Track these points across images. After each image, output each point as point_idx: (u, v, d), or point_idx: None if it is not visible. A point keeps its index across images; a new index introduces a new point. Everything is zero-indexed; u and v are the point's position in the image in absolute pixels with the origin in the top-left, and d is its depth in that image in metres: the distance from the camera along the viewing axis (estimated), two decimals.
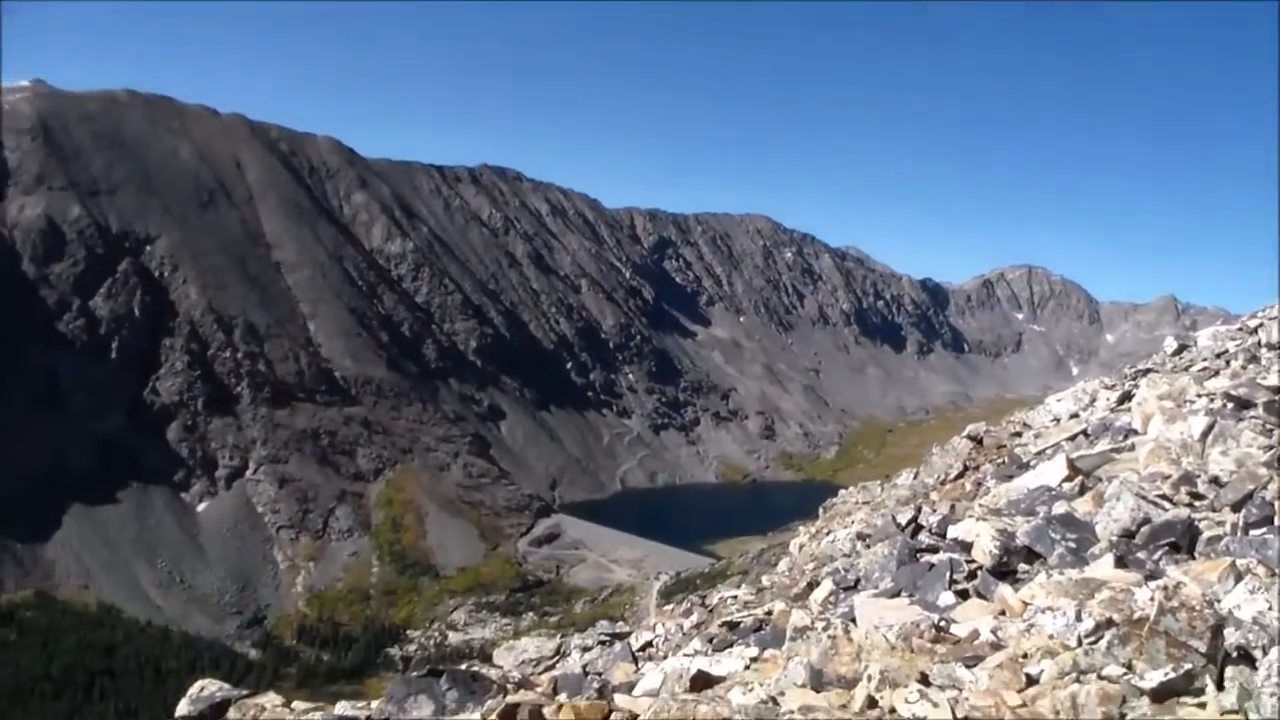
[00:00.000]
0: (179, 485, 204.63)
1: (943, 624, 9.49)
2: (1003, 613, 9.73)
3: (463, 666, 9.96)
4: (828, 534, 23.60)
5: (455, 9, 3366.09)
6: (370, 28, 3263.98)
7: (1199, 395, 15.66)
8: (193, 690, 9.43)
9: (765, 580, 23.48)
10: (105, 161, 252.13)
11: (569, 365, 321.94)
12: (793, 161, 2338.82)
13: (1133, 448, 14.64)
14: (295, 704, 9.00)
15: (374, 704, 9.02)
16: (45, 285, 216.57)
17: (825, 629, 9.33)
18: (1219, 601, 7.94)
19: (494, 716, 7.81)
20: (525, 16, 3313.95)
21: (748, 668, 10.29)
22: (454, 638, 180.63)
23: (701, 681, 9.69)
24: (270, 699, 9.11)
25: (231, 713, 9.01)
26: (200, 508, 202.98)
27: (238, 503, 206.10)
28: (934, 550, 12.91)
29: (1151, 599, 8.05)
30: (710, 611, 19.41)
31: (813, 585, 15.67)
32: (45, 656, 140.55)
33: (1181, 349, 22.54)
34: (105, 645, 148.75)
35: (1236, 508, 10.82)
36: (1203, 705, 6.87)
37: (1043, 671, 7.67)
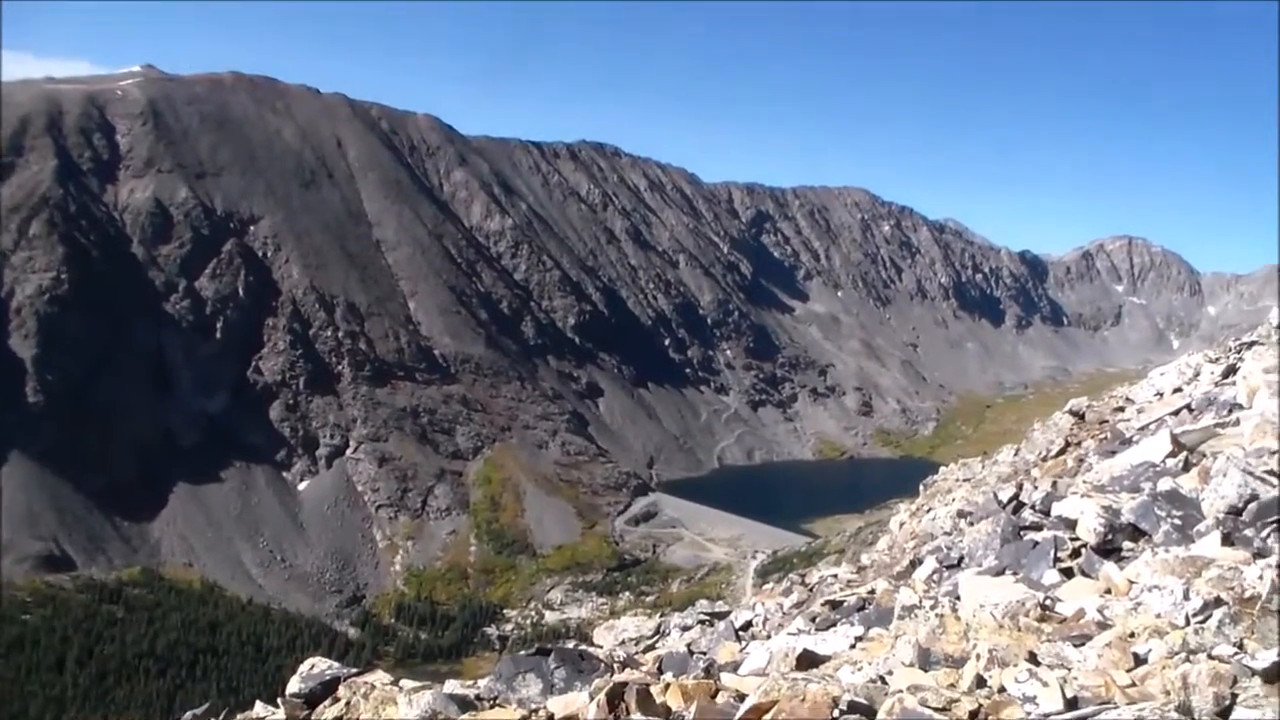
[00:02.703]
0: (281, 464, 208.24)
1: (1048, 602, 9.69)
2: (1108, 591, 9.91)
3: (568, 645, 10.12)
4: (928, 511, 23.96)
5: None
6: (470, 5, 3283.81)
7: None
8: (303, 668, 9.82)
9: (865, 559, 24.05)
10: (211, 143, 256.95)
11: (667, 342, 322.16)
12: (891, 134, 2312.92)
13: (1238, 422, 14.41)
14: (404, 682, 9.17)
15: (482, 682, 9.42)
16: (154, 266, 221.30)
17: (932, 608, 9.95)
18: None
19: (601, 695, 7.93)
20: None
21: (853, 646, 10.52)
22: (550, 617, 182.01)
23: (807, 660, 9.78)
24: (379, 677, 9.30)
25: (341, 690, 9.20)
26: (301, 486, 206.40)
27: (338, 481, 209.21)
28: (1037, 528, 13.00)
29: (1261, 577, 8.24)
30: (811, 590, 19.79)
31: (915, 563, 16.16)
32: (151, 633, 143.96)
33: None
34: (209, 623, 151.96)
35: None
36: None
37: (1151, 651, 7.76)
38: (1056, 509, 12.70)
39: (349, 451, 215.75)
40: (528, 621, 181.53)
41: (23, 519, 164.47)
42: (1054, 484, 15.17)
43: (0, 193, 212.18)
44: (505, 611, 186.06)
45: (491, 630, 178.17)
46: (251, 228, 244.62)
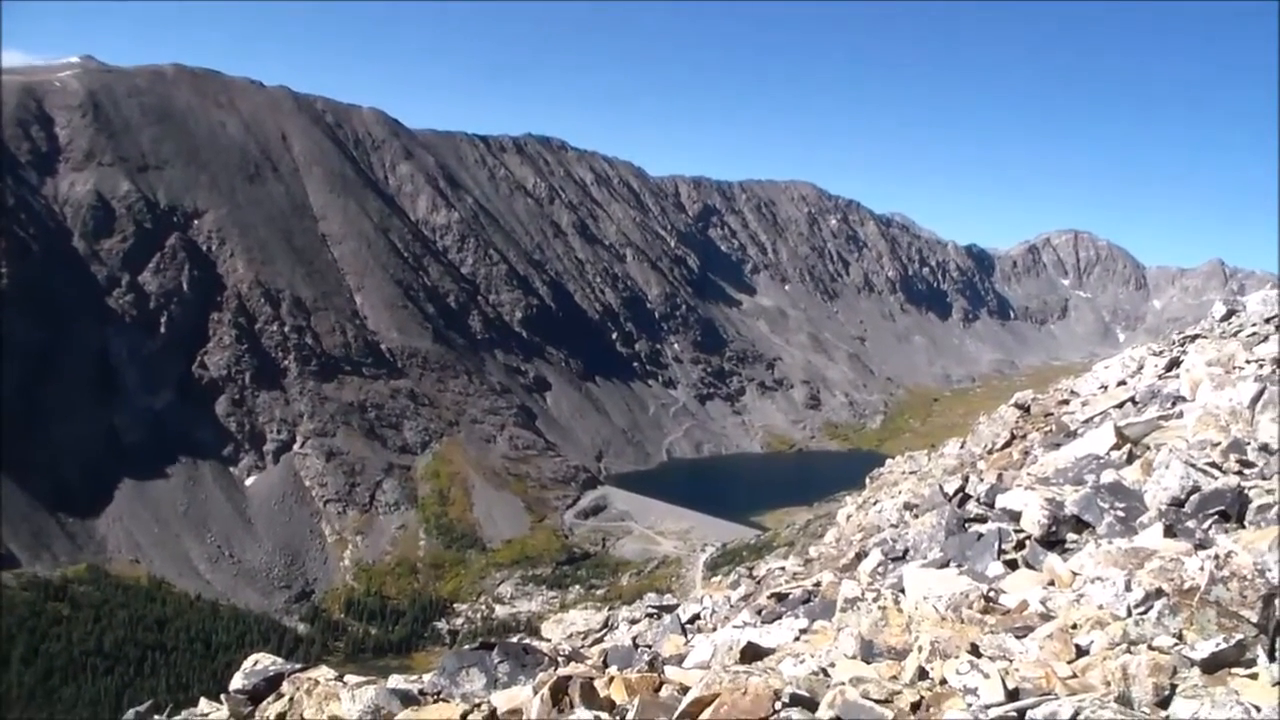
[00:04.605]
0: (228, 459, 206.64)
1: (992, 594, 9.72)
2: (1052, 583, 9.92)
3: (513, 639, 10.19)
4: (875, 504, 23.95)
5: None
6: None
7: (1248, 361, 15.56)
8: (246, 664, 9.80)
9: (812, 551, 23.87)
10: (153, 136, 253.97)
11: (614, 336, 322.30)
12: (837, 128, 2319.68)
13: (1181, 415, 14.63)
14: (347, 677, 9.17)
15: (426, 677, 9.39)
16: (96, 261, 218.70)
17: (875, 600, 9.55)
18: (1270, 571, 7.96)
19: (545, 689, 7.94)
20: None
21: (798, 639, 10.60)
22: (501, 611, 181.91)
23: (752, 653, 9.93)
24: (323, 672, 9.29)
25: (285, 686, 9.19)
26: (248, 482, 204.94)
27: (285, 476, 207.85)
28: (982, 520, 13.05)
29: (1201, 568, 8.21)
30: (758, 583, 19.75)
31: (861, 556, 16.10)
32: (98, 630, 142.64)
33: (1230, 314, 22.36)
34: (156, 619, 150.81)
35: None
36: (1254, 676, 6.92)
37: (1093, 642, 7.84)
38: (1001, 501, 12.86)
39: (296, 446, 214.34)
40: (478, 615, 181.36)
41: None
42: (999, 476, 15.39)
43: None
44: (455, 606, 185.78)
45: (442, 624, 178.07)
46: (195, 222, 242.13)
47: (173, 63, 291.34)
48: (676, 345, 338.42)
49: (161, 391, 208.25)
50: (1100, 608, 8.50)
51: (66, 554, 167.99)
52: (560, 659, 9.36)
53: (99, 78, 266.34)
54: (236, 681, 9.41)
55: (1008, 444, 20.67)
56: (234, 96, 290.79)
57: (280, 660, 9.63)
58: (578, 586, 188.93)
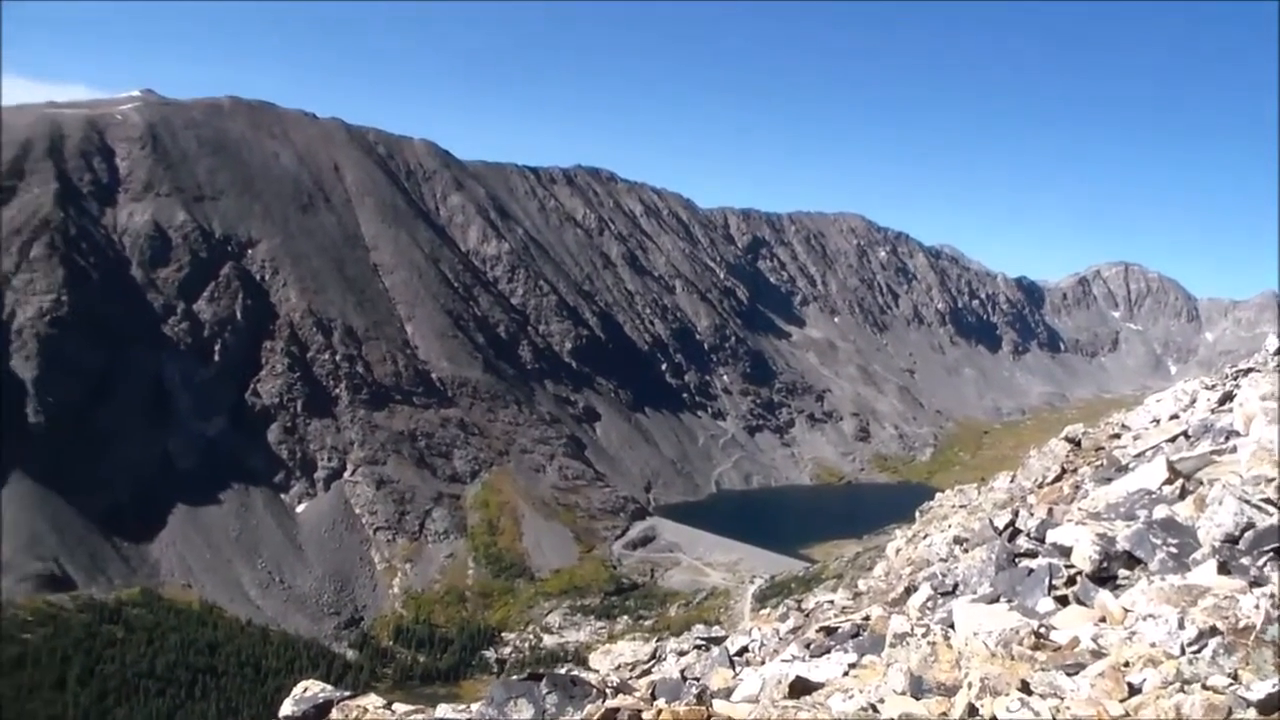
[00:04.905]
0: (279, 486, 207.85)
1: (1042, 630, 9.53)
2: (1103, 619, 9.72)
3: (561, 670, 10.13)
4: (924, 538, 23.67)
5: (551, 10, 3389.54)
6: (465, 30, 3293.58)
7: None
8: (296, 691, 9.70)
9: (861, 584, 23.65)
10: (209, 167, 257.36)
11: (664, 367, 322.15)
12: (886, 160, 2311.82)
13: (1234, 450, 14.40)
14: (396, 706, 9.24)
15: (474, 706, 9.35)
16: (152, 289, 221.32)
17: (924, 635, 9.58)
18: None
19: None
20: (617, 18, 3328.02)
21: (846, 674, 10.46)
22: (549, 640, 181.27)
23: (800, 688, 9.86)
24: (371, 700, 9.37)
25: (334, 714, 9.27)
26: (299, 509, 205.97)
27: (336, 504, 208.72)
28: (1032, 555, 12.90)
29: (1257, 607, 8.10)
30: (807, 616, 19.79)
31: (910, 590, 15.93)
32: (150, 653, 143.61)
33: None
34: (208, 643, 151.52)
35: None
36: None
37: (1145, 680, 7.68)
38: (1052, 536, 12.69)
39: (347, 474, 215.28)
40: (525, 645, 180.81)
41: (24, 539, 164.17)
42: (1050, 511, 15.29)
43: (1, 216, 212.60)
44: (503, 634, 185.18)
45: (489, 653, 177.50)
46: (249, 251, 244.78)
47: (229, 95, 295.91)
48: (726, 377, 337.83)
49: (215, 418, 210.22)
50: (1153, 645, 8.39)
51: (121, 577, 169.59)
52: (608, 690, 9.30)
53: (158, 110, 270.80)
54: (286, 708, 9.48)
55: (1058, 478, 20.69)
56: (288, 128, 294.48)
57: (329, 687, 9.64)
58: (626, 617, 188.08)
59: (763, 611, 29.80)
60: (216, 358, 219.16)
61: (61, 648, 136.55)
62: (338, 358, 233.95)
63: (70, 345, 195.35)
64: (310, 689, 9.63)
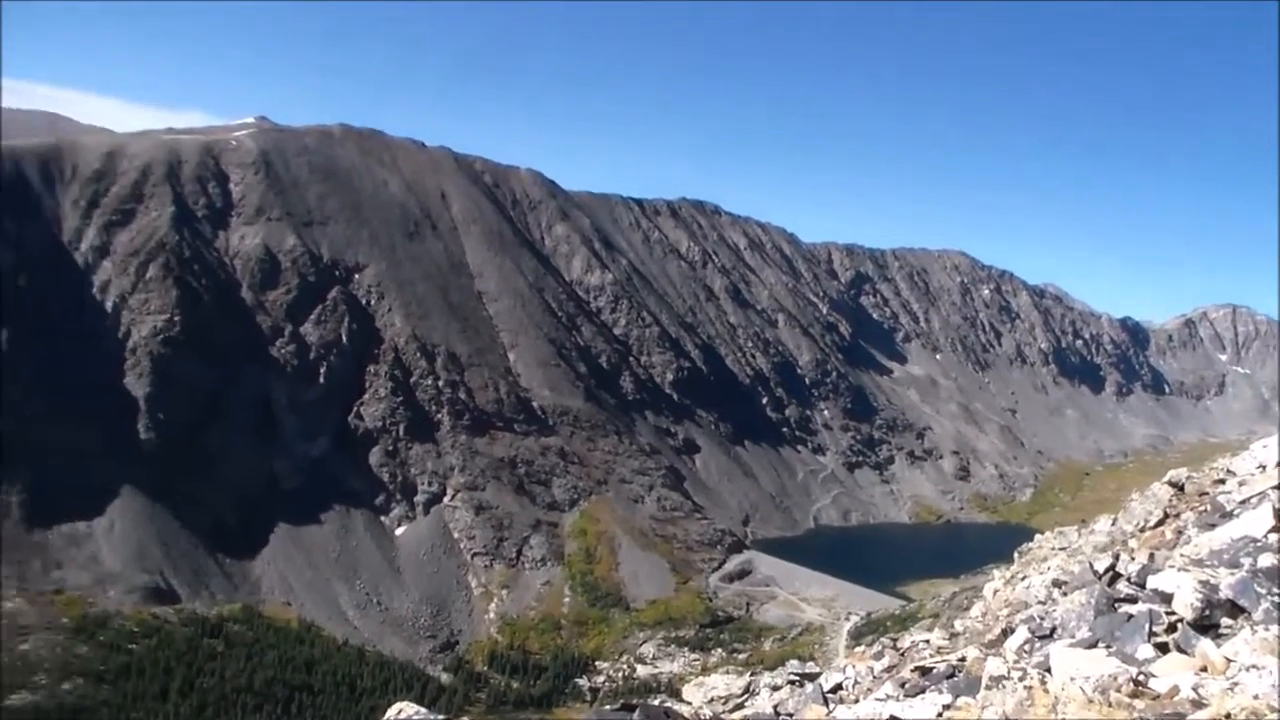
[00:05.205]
0: (379, 509, 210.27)
1: (1141, 678, 9.29)
2: (1204, 669, 9.46)
3: (655, 701, 10.05)
4: (1023, 579, 23.28)
5: (656, 44, 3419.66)
6: (573, 64, 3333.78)
7: None
8: (391, 712, 9.78)
9: (958, 625, 23.46)
10: (319, 193, 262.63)
11: (764, 400, 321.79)
12: (991, 197, 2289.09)
13: None
14: None
15: None
16: (261, 311, 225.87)
17: (1021, 679, 9.33)
18: None
19: None
20: (724, 57, 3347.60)
21: (940, 715, 10.47)
22: (642, 671, 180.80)
23: None
24: None
25: None
26: (399, 531, 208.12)
27: (435, 528, 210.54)
28: (1133, 600, 12.53)
29: None
30: (902, 655, 19.56)
31: (1007, 632, 15.56)
32: (249, 668, 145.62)
33: None
34: (305, 661, 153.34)
35: None
36: None
37: None
38: (1153, 582, 12.43)
39: (446, 499, 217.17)
40: (619, 674, 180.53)
41: (132, 552, 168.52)
42: (1151, 556, 15.06)
43: (120, 238, 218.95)
44: (597, 663, 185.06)
45: (583, 681, 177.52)
46: (356, 276, 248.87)
47: (339, 123, 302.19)
48: (826, 412, 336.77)
49: (319, 439, 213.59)
50: (1256, 697, 8.13)
51: (223, 592, 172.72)
52: None
53: (271, 137, 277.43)
54: None
55: (1160, 522, 20.30)
56: (396, 156, 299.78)
57: (423, 710, 9.63)
58: (720, 650, 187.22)
59: (857, 649, 29.48)
60: (322, 380, 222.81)
61: (165, 659, 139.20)
62: (440, 383, 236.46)
63: (182, 365, 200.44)
64: (405, 710, 9.90)
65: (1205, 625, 10.77)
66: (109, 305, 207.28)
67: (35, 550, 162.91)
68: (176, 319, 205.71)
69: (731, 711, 14.28)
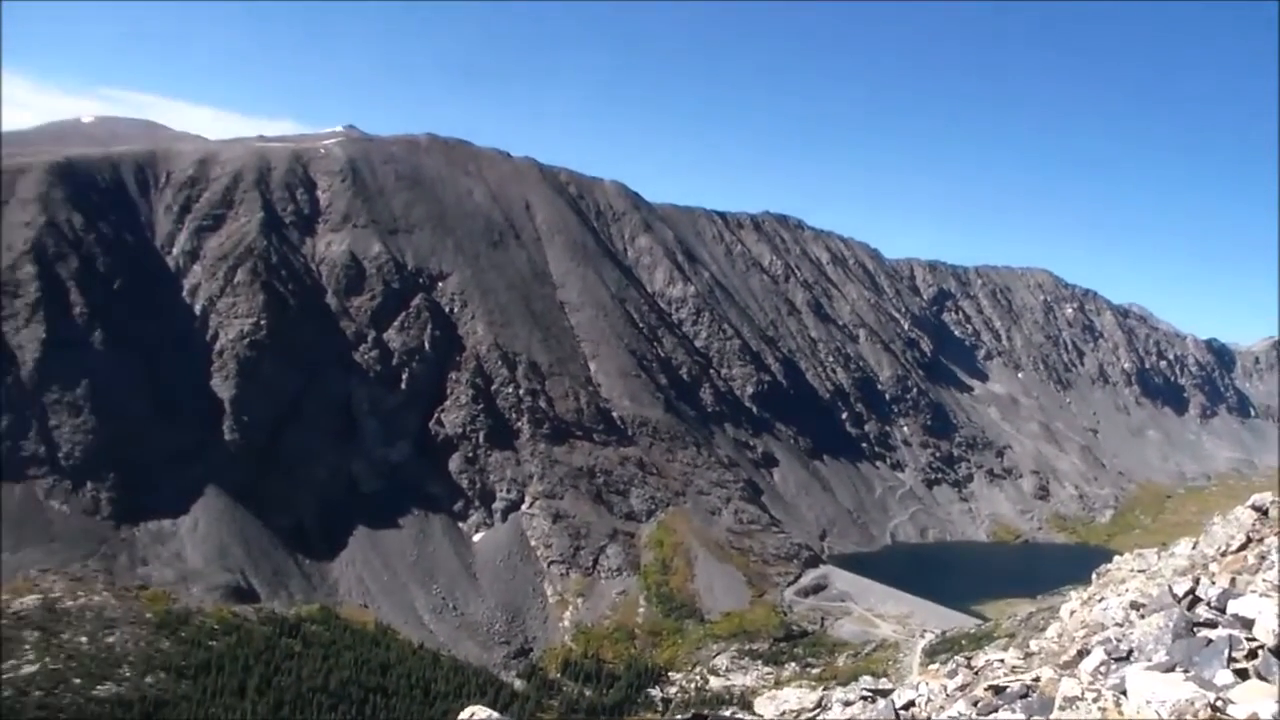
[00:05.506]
0: (458, 514, 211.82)
1: (1219, 704, 9.21)
2: None
3: (726, 713, 10.21)
4: (1100, 601, 23.13)
5: (740, 59, 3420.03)
6: (659, 75, 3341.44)
7: None
8: (464, 715, 9.93)
9: (1033, 645, 23.42)
10: (405, 201, 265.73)
11: (844, 415, 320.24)
12: (1075, 215, 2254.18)
13: None
14: None
15: None
16: (345, 317, 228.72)
17: (1095, 700, 9.55)
18: None
19: None
20: (809, 73, 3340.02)
21: None
22: (715, 683, 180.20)
23: None
24: None
25: None
26: (476, 537, 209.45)
27: (512, 535, 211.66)
28: (1212, 625, 12.46)
29: None
30: (976, 674, 19.41)
31: (1083, 653, 15.55)
32: (325, 669, 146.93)
33: None
34: (380, 663, 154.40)
35: None
36: None
37: None
38: (1233, 607, 12.33)
39: (524, 506, 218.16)
40: (692, 685, 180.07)
41: (214, 550, 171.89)
42: (1232, 580, 14.95)
43: (210, 243, 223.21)
44: (670, 674, 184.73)
45: (655, 691, 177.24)
46: (440, 284, 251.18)
47: (426, 133, 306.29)
48: (906, 428, 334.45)
49: (399, 444, 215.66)
50: None
51: (302, 593, 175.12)
52: None
53: (359, 146, 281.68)
54: None
55: (1243, 547, 20.19)
56: (482, 166, 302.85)
57: (496, 714, 9.83)
58: (793, 664, 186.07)
59: (931, 666, 29.35)
60: (403, 386, 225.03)
61: (244, 657, 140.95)
62: (521, 391, 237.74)
63: (267, 368, 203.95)
64: (477, 714, 10.17)
65: None
66: (198, 308, 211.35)
67: (122, 546, 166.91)
68: (263, 323, 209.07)
69: None
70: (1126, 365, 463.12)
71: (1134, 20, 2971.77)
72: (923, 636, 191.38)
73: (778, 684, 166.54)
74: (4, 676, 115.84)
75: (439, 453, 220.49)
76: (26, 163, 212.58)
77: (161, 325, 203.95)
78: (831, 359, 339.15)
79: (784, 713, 20.36)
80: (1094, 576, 32.52)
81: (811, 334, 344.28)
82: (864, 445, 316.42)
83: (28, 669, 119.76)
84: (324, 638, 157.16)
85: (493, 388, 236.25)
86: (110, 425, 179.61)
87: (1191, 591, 14.10)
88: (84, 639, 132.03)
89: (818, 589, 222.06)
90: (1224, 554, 20.58)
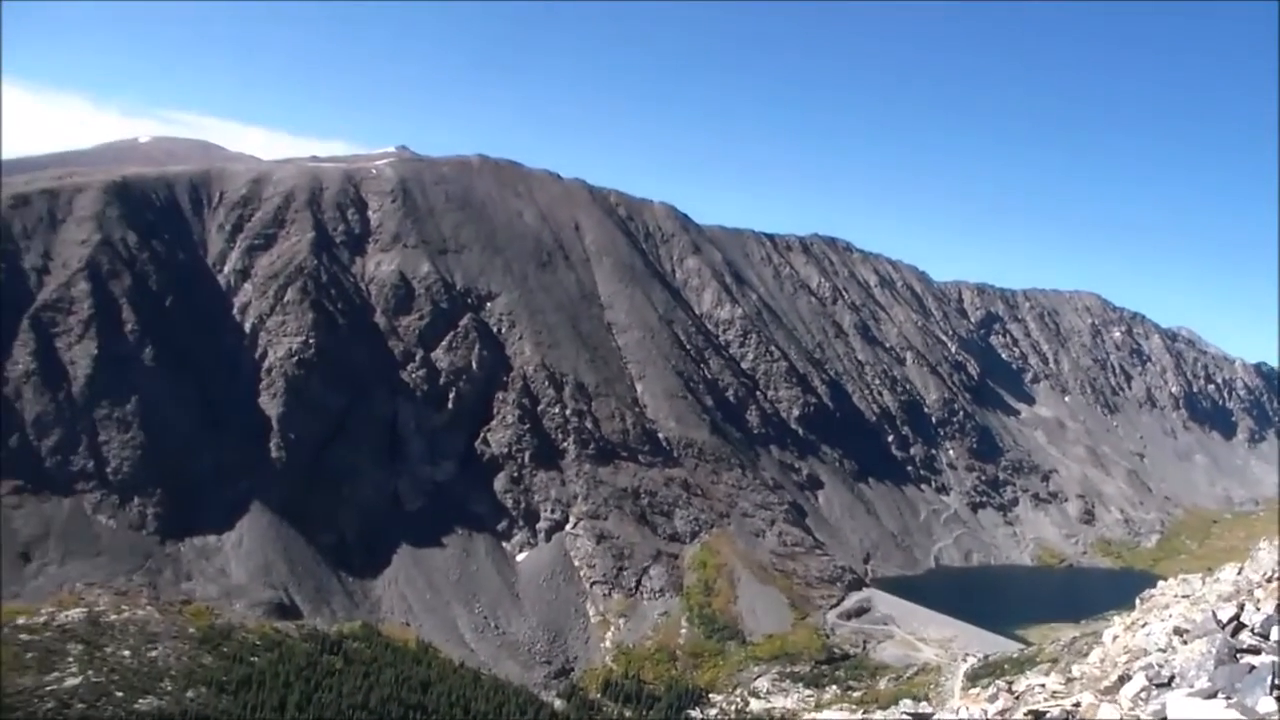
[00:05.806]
0: (501, 534, 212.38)
1: None
2: None
3: None
4: (1144, 626, 23.25)
5: (784, 83, 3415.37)
6: (708, 97, 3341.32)
7: None
8: None
9: (1075, 670, 23.40)
10: (454, 222, 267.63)
11: (890, 438, 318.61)
12: (1124, 238, 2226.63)
13: None
14: None
15: None
16: (394, 336, 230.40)
17: None
18: None
19: None
20: (858, 95, 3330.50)
21: None
22: (756, 705, 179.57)
23: None
24: None
25: None
26: (520, 557, 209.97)
27: (556, 555, 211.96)
28: (1256, 652, 12.49)
29: None
30: (1016, 698, 19.71)
31: (1124, 679, 15.64)
32: (366, 686, 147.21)
33: None
34: (421, 681, 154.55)
35: None
36: None
37: None
38: (1277, 633, 12.27)
39: (569, 527, 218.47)
40: (733, 707, 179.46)
41: (258, 566, 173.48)
42: (1278, 606, 14.53)
43: (261, 261, 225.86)
44: (711, 695, 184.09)
45: (696, 713, 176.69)
46: (488, 304, 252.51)
47: (477, 154, 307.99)
48: (952, 451, 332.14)
49: (444, 463, 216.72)
50: None
51: (344, 610, 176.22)
52: None
53: (410, 166, 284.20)
54: None
55: None
56: (532, 187, 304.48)
57: None
58: (835, 687, 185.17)
59: (972, 690, 29.34)
60: (450, 405, 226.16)
61: (285, 673, 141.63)
62: (567, 412, 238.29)
63: (314, 386, 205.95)
64: None
65: None
66: (248, 326, 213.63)
67: (167, 561, 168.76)
68: (311, 341, 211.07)
69: None
70: (1174, 389, 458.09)
71: (1196, 36, 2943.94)
72: (965, 660, 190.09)
73: (819, 707, 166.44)
74: (48, 689, 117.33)
75: (484, 472, 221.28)
76: (84, 182, 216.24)
77: (211, 343, 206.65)
78: (878, 381, 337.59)
79: None
80: (1138, 602, 32.46)
81: (858, 356, 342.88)
82: (909, 468, 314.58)
83: (71, 681, 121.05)
84: (365, 655, 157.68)
85: (539, 408, 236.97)
86: (158, 441, 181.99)
87: (1236, 617, 14.01)
88: (127, 653, 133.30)
89: (861, 612, 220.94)
90: (1269, 580, 20.38)
